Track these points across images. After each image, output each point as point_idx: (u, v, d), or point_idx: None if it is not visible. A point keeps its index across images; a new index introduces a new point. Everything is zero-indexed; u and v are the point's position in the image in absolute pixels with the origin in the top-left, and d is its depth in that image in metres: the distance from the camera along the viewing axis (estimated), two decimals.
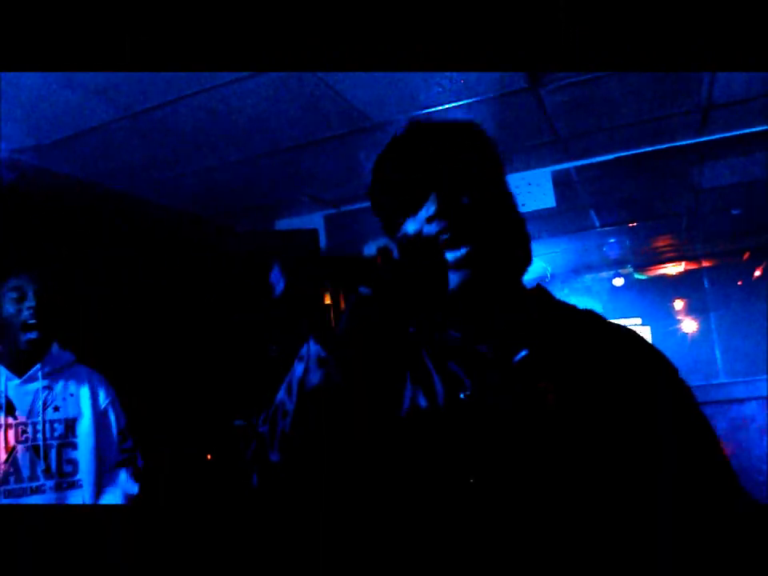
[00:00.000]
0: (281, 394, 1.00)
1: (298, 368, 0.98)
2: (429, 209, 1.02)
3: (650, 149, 4.42)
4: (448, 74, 3.24)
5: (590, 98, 3.67)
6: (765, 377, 4.51)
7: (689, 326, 9.62)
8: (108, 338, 3.63)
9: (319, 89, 3.21)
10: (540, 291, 1.13)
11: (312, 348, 0.97)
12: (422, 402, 1.02)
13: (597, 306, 9.59)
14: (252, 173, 4.24)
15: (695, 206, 6.27)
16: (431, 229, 1.01)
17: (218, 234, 5.09)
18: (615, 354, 1.04)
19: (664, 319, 9.71)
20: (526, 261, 1.09)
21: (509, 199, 1.10)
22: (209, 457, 4.08)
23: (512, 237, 1.07)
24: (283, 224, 5.31)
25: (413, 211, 1.05)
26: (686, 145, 4.48)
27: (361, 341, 0.94)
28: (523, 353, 1.01)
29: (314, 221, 5.17)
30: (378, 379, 1.00)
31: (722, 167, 5.16)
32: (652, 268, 9.42)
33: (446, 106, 3.56)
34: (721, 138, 4.43)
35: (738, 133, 4.40)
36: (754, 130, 4.36)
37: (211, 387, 4.21)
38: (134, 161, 3.88)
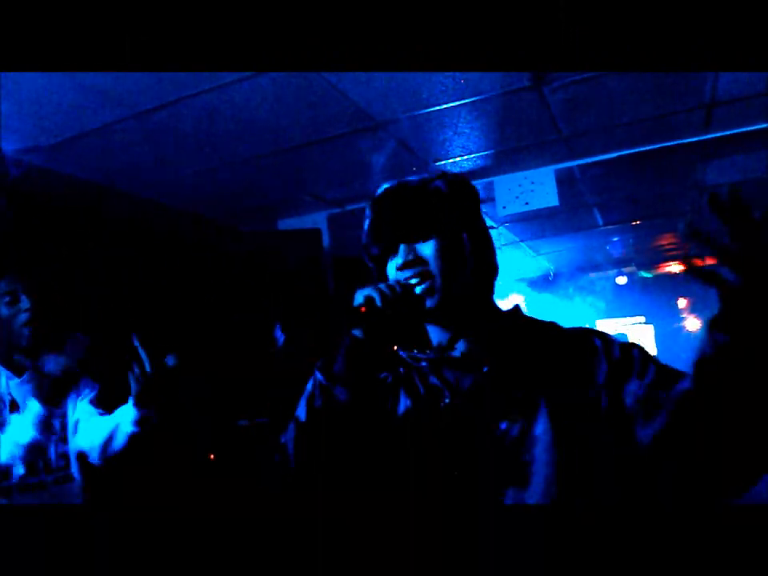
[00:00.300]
0: (299, 410, 1.27)
1: (308, 391, 1.25)
2: (397, 259, 1.30)
3: (653, 147, 4.40)
4: (451, 73, 3.23)
5: (592, 96, 3.66)
6: None
7: (692, 324, 9.60)
8: (110, 338, 3.62)
9: (322, 88, 3.21)
10: (515, 311, 1.40)
11: (318, 376, 1.22)
12: (414, 409, 1.31)
13: (600, 305, 9.60)
14: (255, 173, 4.23)
15: (699, 204, 6.25)
16: (401, 275, 1.30)
17: (220, 233, 5.09)
18: (563, 351, 1.30)
19: (667, 318, 9.69)
20: (487, 291, 1.37)
21: (477, 239, 1.35)
22: (211, 457, 4.08)
23: (471, 273, 1.32)
24: (286, 224, 5.31)
25: (389, 259, 1.34)
26: (690, 142, 4.46)
27: (357, 372, 1.21)
28: (485, 369, 1.28)
29: (317, 220, 5.18)
30: (374, 396, 1.31)
31: (726, 164, 5.15)
32: (656, 266, 9.40)
33: (449, 104, 3.56)
34: (724, 136, 4.42)
35: (741, 130, 4.38)
36: (757, 127, 4.35)
37: (213, 387, 4.21)
38: (137, 161, 3.88)
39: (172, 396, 2.30)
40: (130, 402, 2.28)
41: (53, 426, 2.48)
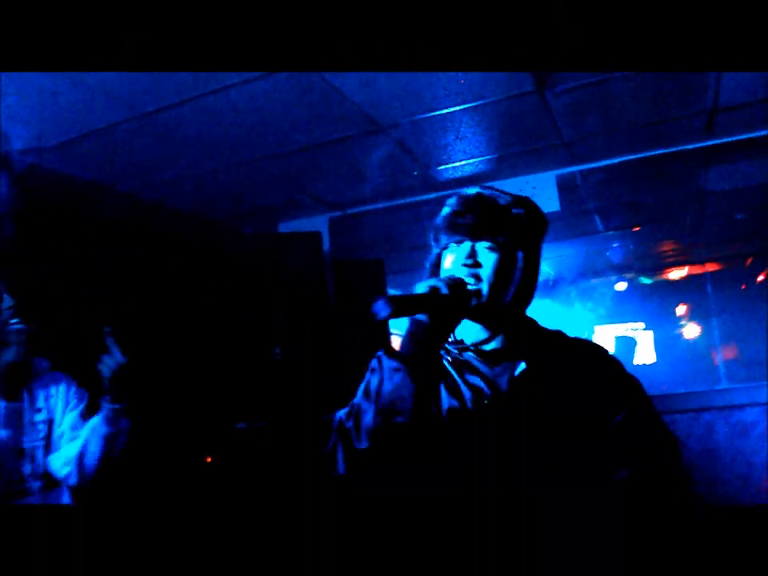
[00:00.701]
0: (358, 398, 1.38)
1: (374, 378, 1.36)
2: (460, 254, 1.45)
3: (654, 152, 4.40)
4: (453, 76, 3.23)
5: (594, 102, 3.67)
6: (766, 383, 4.49)
7: (691, 331, 9.59)
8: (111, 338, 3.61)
9: (324, 91, 3.21)
10: (530, 321, 1.56)
11: (386, 362, 1.32)
12: (456, 405, 1.45)
13: (600, 310, 9.59)
14: (257, 175, 4.23)
15: (700, 210, 6.25)
16: (458, 271, 1.44)
17: (222, 235, 5.09)
18: (578, 362, 1.49)
19: (667, 324, 9.68)
20: (526, 304, 1.52)
21: (529, 263, 1.50)
22: (209, 459, 4.07)
23: (518, 290, 1.47)
24: (287, 226, 5.31)
25: (452, 250, 1.48)
26: (691, 149, 4.46)
27: (423, 353, 1.32)
28: (522, 367, 1.46)
29: (319, 223, 5.17)
30: (433, 385, 1.42)
31: (727, 171, 5.14)
32: (656, 272, 9.40)
33: (452, 108, 3.56)
34: (726, 142, 4.42)
35: (743, 137, 4.38)
36: (759, 134, 4.35)
37: (214, 389, 4.20)
38: (140, 162, 3.89)
39: (146, 390, 2.26)
40: (102, 403, 2.23)
41: (39, 431, 2.43)
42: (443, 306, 1.32)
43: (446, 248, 1.51)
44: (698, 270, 9.21)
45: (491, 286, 1.43)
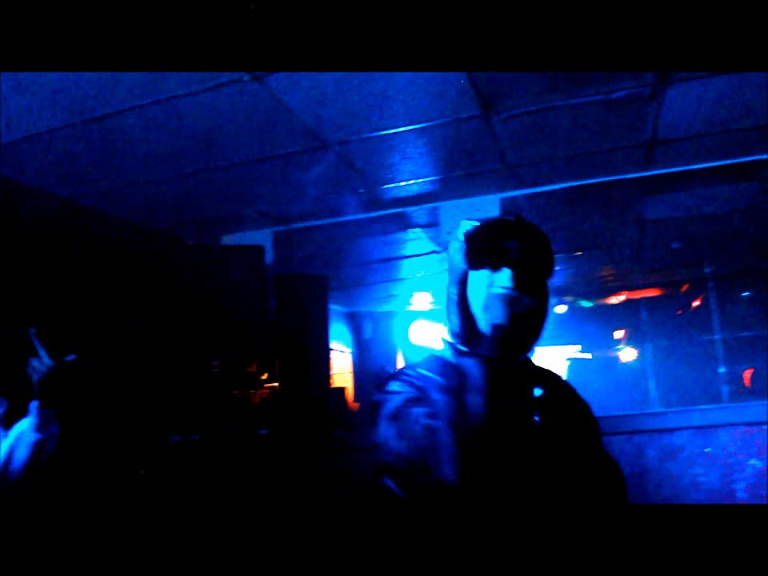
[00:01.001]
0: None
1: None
2: (505, 279, 1.47)
3: (595, 180, 4.52)
4: (401, 97, 3.26)
5: (539, 128, 3.75)
6: (696, 407, 4.62)
7: (628, 355, 9.80)
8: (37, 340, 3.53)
9: (272, 106, 3.21)
10: (527, 359, 1.63)
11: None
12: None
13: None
14: (201, 186, 4.20)
15: (639, 238, 6.42)
16: (502, 291, 1.47)
17: (163, 245, 5.03)
18: (569, 401, 1.66)
19: (604, 348, 9.87)
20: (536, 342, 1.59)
21: (547, 300, 1.58)
22: (141, 472, 4.00)
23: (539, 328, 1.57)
24: (231, 239, 5.27)
25: (485, 269, 1.51)
26: (631, 178, 4.59)
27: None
28: (540, 392, 1.56)
29: (263, 237, 5.15)
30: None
31: (666, 201, 5.30)
32: (595, 297, 9.59)
33: (399, 129, 3.59)
34: (664, 173, 4.56)
35: (680, 169, 4.53)
36: (695, 167, 4.50)
37: (149, 401, 4.13)
38: (81, 168, 3.82)
39: (77, 397, 2.20)
40: (31, 408, 2.17)
41: None
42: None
43: (476, 268, 1.52)
44: (636, 295, 9.43)
45: (533, 318, 1.53)
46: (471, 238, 1.53)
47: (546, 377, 1.65)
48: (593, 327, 9.71)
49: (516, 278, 1.47)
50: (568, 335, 9.70)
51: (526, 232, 1.53)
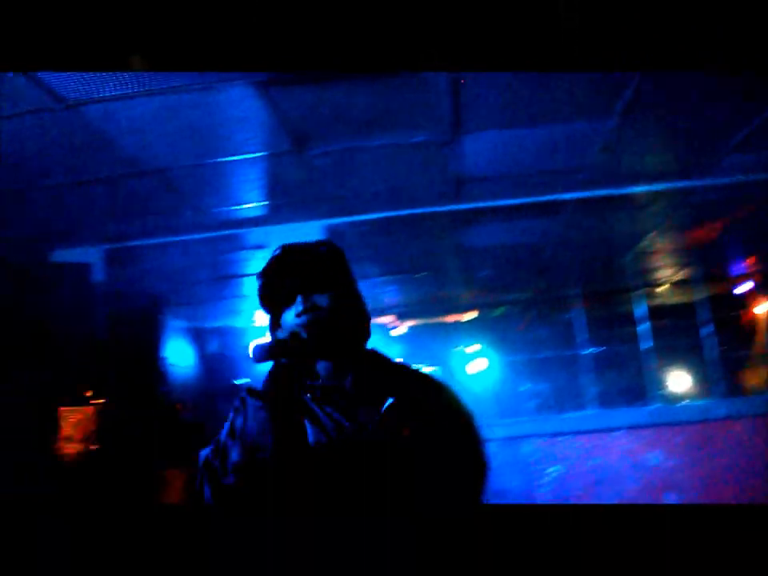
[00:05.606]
0: (223, 437, 1.50)
1: (238, 418, 1.50)
2: (297, 307, 1.53)
3: (409, 212, 4.87)
4: (218, 131, 3.48)
5: (352, 164, 4.06)
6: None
7: (474, 369, 10.20)
8: None
9: (90, 135, 3.33)
10: (374, 352, 1.66)
11: (250, 402, 1.48)
12: (322, 438, 1.50)
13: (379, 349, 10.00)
14: (22, 205, 4.20)
15: (463, 263, 6.85)
16: (298, 320, 1.52)
17: None
18: (419, 391, 1.61)
19: (451, 363, 10.27)
20: (366, 335, 1.63)
21: (354, 297, 1.62)
22: None
23: (354, 322, 1.59)
24: (62, 255, 5.24)
25: (287, 307, 1.56)
26: (444, 211, 4.99)
27: (284, 395, 1.48)
28: (390, 401, 1.54)
29: (94, 254, 5.16)
30: (295, 421, 1.51)
31: (480, 231, 5.73)
32: (431, 317, 9.98)
33: (218, 159, 3.80)
34: (473, 208, 4.98)
35: (487, 204, 4.97)
36: (501, 203, 4.95)
37: None
38: None
39: None
40: None
41: None
42: (301, 349, 1.47)
43: (278, 308, 1.58)
44: (459, 317, 9.84)
45: (335, 321, 1.52)
46: (262, 293, 1.62)
47: (396, 374, 1.65)
48: (438, 344, 10.08)
49: (306, 300, 1.54)
50: (409, 355, 10.03)
51: (307, 252, 1.60)
